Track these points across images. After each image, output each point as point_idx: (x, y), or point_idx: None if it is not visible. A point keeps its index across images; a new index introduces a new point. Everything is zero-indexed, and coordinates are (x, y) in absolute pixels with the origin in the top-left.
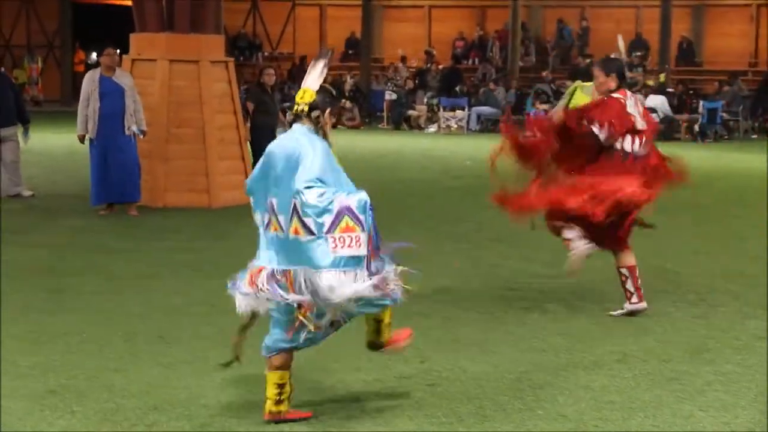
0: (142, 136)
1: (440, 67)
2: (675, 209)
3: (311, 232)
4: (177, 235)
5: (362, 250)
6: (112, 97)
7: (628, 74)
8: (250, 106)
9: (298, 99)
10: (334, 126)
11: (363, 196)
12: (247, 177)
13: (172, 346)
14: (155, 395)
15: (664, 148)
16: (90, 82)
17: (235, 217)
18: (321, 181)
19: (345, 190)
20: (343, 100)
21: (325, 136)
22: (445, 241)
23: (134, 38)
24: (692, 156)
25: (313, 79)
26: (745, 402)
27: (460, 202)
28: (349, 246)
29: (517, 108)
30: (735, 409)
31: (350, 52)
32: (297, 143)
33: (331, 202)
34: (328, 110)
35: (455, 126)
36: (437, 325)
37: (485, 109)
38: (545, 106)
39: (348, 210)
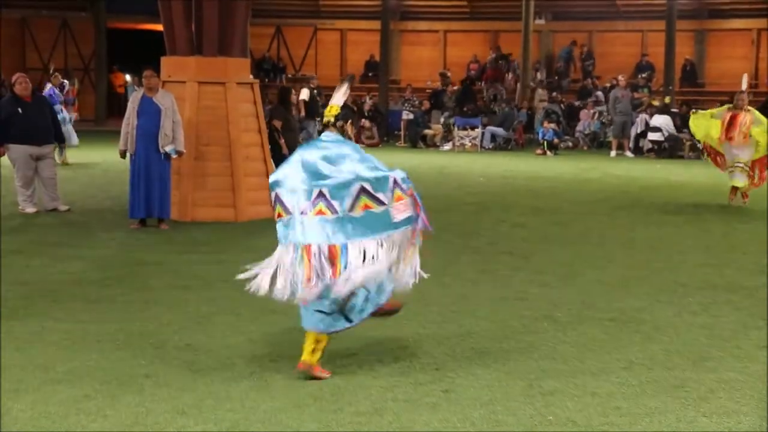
0: (177, 156)
1: (454, 88)
2: (681, 223)
3: (383, 204)
4: (205, 247)
5: (411, 212)
6: (149, 116)
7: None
8: (278, 123)
9: (326, 113)
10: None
11: (401, 172)
12: None
13: (200, 354)
14: (183, 400)
15: (669, 166)
16: (132, 101)
17: (260, 231)
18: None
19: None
20: (363, 120)
21: (349, 139)
22: (461, 253)
23: (165, 61)
24: (696, 173)
25: (338, 97)
26: (747, 408)
27: (474, 216)
28: (403, 211)
29: (528, 127)
30: (737, 415)
31: (369, 74)
32: (339, 148)
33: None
34: (349, 121)
35: (469, 144)
36: (452, 333)
37: (498, 130)
38: (553, 125)
39: (395, 183)
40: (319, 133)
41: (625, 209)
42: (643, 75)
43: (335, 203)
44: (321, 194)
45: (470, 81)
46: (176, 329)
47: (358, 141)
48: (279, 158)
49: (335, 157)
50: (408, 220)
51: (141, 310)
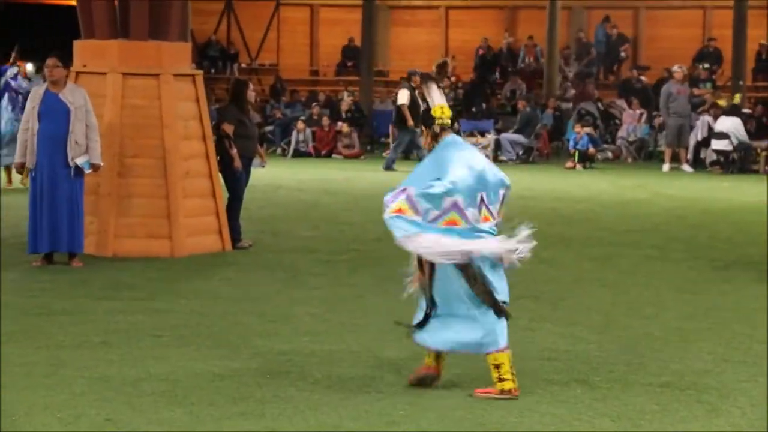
0: (92, 171)
1: (459, 82)
2: (759, 258)
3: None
4: (131, 292)
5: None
6: (53, 118)
7: (694, 91)
8: (229, 128)
9: (441, 114)
10: (328, 155)
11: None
12: (219, 217)
13: None
14: None
15: (740, 183)
16: (32, 99)
17: (203, 270)
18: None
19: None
20: (339, 123)
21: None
22: None
23: (79, 46)
24: None
25: (439, 96)
26: None
27: None
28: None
29: (555, 132)
30: None
31: (348, 63)
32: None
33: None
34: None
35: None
36: (458, 404)
37: (516, 136)
38: (588, 130)
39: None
40: (435, 137)
41: (682, 241)
42: (706, 65)
43: (493, 209)
44: (482, 200)
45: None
46: (93, 400)
47: (333, 149)
48: (230, 173)
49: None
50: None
51: (46, 374)
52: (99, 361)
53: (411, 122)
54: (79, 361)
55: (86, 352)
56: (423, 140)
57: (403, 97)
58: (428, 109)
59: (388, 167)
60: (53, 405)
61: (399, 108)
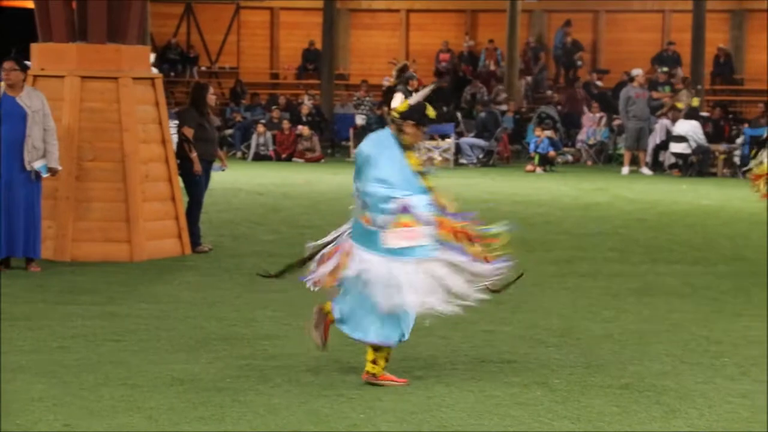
0: (49, 175)
1: (418, 86)
2: (714, 260)
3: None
4: (90, 296)
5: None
6: (10, 122)
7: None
8: (189, 131)
9: (395, 107)
10: (289, 159)
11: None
12: (179, 221)
13: None
14: None
15: (698, 186)
16: None
17: (162, 274)
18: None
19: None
20: (300, 127)
21: (407, 145)
22: None
23: (37, 49)
24: (732, 195)
25: (418, 96)
26: None
27: None
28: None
29: (515, 136)
30: None
31: (309, 66)
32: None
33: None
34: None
35: (439, 158)
36: (418, 407)
37: (476, 140)
38: (548, 133)
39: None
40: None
41: (642, 244)
42: (665, 69)
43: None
44: None
45: (440, 76)
46: (51, 406)
47: (293, 153)
48: (190, 177)
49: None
50: (411, 251)
51: (4, 380)
52: (57, 366)
53: None
54: (36, 367)
55: (44, 357)
56: (412, 138)
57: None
58: (423, 107)
59: None
60: (11, 411)
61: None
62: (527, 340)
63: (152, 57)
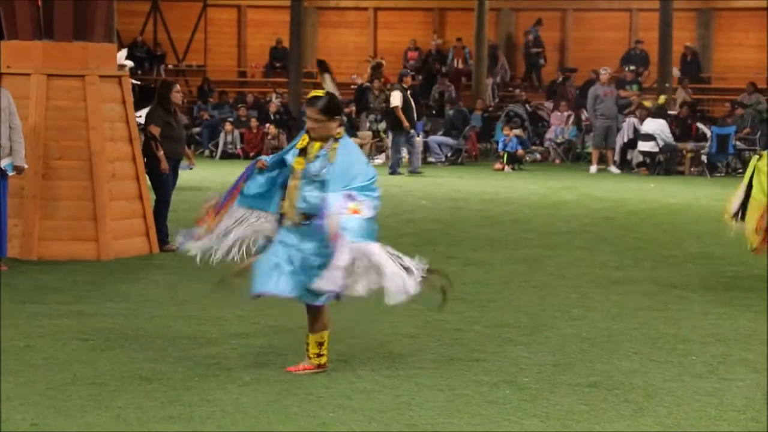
0: (15, 174)
1: (387, 84)
2: (682, 259)
3: None
4: (57, 295)
5: None
6: None
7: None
8: (156, 130)
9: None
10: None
11: None
12: (146, 219)
13: None
14: None
15: (665, 184)
16: None
17: (130, 273)
18: None
19: None
20: (267, 125)
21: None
22: None
23: (2, 47)
24: (699, 193)
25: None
26: None
27: (414, 251)
28: None
29: (484, 134)
30: None
31: (276, 64)
32: None
33: None
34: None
35: (407, 157)
36: (387, 406)
37: (444, 138)
38: (517, 132)
39: None
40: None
41: (610, 242)
42: (632, 67)
43: None
44: None
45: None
46: (18, 405)
47: (261, 151)
48: (156, 175)
49: None
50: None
51: None
52: (24, 366)
53: (407, 124)
54: (3, 366)
55: (11, 357)
56: (337, 131)
57: (396, 99)
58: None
59: (394, 171)
60: None
61: (393, 110)
62: (496, 339)
63: (124, 52)
